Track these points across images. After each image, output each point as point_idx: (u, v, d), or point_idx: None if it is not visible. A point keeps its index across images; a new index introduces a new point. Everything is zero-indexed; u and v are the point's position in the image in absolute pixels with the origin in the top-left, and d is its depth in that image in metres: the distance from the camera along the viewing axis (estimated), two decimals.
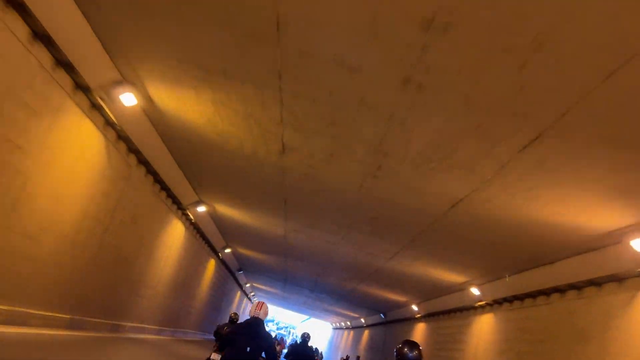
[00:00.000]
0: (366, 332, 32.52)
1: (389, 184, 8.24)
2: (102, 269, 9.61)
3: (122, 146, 8.93)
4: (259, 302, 5.94)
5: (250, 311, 5.86)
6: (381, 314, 26.10)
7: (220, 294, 27.02)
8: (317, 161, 8.28)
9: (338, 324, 48.95)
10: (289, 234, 14.74)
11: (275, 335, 33.59)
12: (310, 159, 8.29)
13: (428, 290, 16.38)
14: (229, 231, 17.85)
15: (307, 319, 66.36)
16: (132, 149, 9.26)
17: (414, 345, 4.01)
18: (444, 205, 8.39)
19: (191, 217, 14.33)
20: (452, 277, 13.34)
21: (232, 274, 27.57)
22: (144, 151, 9.47)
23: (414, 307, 19.53)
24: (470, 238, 9.71)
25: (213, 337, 27.39)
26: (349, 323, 40.79)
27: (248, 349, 5.39)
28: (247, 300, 46.21)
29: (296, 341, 43.93)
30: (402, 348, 3.96)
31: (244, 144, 8.47)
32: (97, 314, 9.93)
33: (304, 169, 8.84)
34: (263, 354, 5.61)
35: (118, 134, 8.52)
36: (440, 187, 7.71)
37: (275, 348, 5.86)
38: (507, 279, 11.08)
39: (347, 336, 42.26)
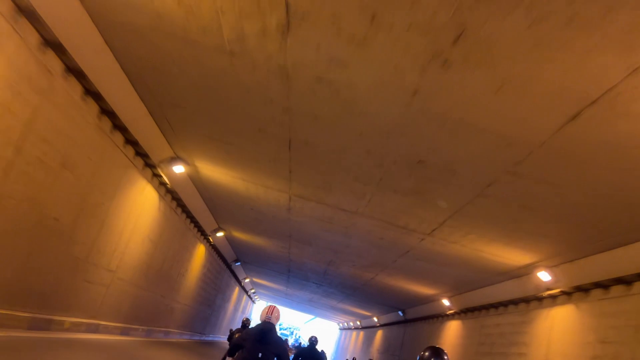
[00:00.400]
0: (379, 333, 29.27)
1: (468, 77, 4.83)
2: (9, 232, 6.25)
3: (28, 30, 5.51)
4: (270, 305, 5.86)
5: (261, 315, 5.79)
6: (399, 312, 22.78)
7: (214, 289, 23.63)
8: (343, 42, 4.89)
9: (346, 324, 45.83)
10: (295, 203, 11.34)
11: None
12: (333, 39, 4.90)
13: (469, 279, 12.97)
14: (218, 204, 14.39)
15: (312, 319, 63.63)
16: (49, 41, 5.82)
17: (439, 352, 3.75)
18: (558, 117, 4.98)
19: (166, 180, 10.90)
20: (512, 257, 9.96)
21: (228, 266, 24.22)
22: (68, 46, 6.04)
23: (445, 302, 16.22)
24: (570, 186, 6.32)
25: (207, 339, 24.57)
26: (358, 322, 37.61)
27: (260, 354, 5.32)
28: (248, 297, 42.97)
29: (299, 343, 41.31)
30: (428, 357, 3.70)
31: (222, 15, 5.09)
32: (3, 303, 6.54)
33: (322, 67, 5.46)
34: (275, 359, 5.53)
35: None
36: (568, 70, 4.29)
37: (288, 353, 5.56)
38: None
39: (357, 337, 39.13)
